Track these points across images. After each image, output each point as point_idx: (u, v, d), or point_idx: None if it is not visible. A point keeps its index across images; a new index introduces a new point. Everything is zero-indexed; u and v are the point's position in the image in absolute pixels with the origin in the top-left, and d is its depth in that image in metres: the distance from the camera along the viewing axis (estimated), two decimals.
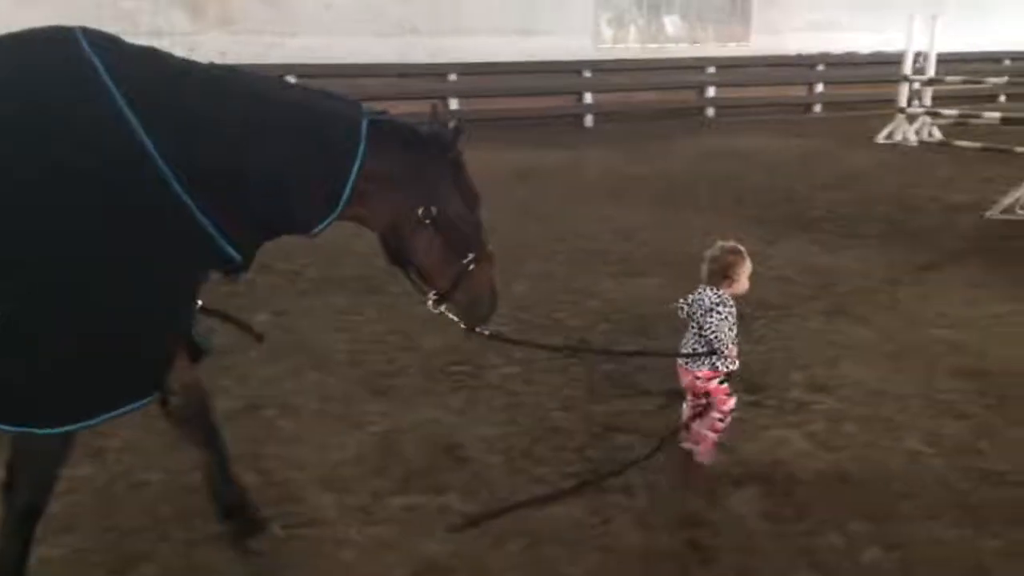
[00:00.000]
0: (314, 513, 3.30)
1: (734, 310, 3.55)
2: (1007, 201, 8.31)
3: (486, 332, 3.01)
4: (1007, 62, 17.76)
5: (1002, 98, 16.81)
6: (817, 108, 17.37)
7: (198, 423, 2.88)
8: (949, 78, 13.87)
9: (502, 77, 14.70)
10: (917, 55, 13.76)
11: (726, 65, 16.50)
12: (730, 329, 3.52)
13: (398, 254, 2.73)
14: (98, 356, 2.30)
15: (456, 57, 14.19)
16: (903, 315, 5.51)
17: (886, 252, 7.07)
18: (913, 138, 13.33)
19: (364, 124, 2.54)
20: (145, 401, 2.44)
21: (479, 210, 2.77)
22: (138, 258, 2.29)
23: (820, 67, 17.25)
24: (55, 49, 2.31)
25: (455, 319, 2.87)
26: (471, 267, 2.74)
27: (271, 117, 2.45)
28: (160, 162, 2.24)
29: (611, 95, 15.72)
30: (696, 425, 3.65)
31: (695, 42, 16.85)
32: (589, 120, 15.49)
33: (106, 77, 2.23)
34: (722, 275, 3.53)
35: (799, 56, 16.98)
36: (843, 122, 15.50)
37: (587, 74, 15.51)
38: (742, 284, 3.57)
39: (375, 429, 3.98)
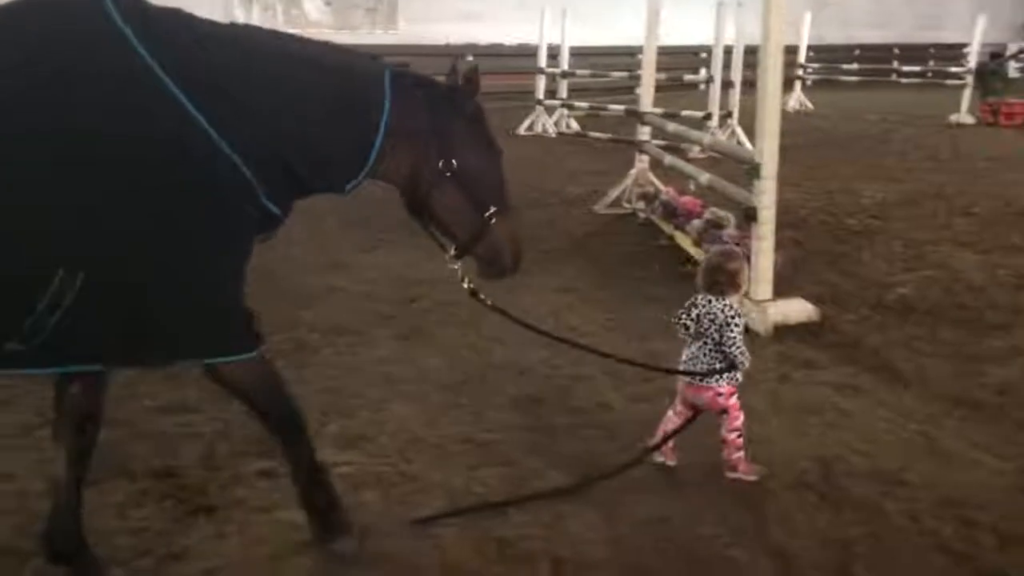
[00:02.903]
0: None
1: (743, 319, 3.39)
2: (614, 194, 8.34)
3: (488, 301, 3.03)
4: (638, 56, 18.86)
5: (639, 90, 17.80)
6: None
7: (89, 425, 2.65)
8: (580, 71, 14.25)
9: None
10: (552, 48, 13.99)
11: (374, 54, 15.84)
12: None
13: (418, 207, 2.73)
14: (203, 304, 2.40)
15: None
16: (482, 333, 4.97)
17: None
18: (552, 129, 13.53)
19: (387, 79, 2.56)
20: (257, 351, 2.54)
21: (500, 164, 2.79)
22: (202, 216, 2.32)
23: (469, 57, 17.15)
24: (82, 15, 2.24)
25: (463, 282, 2.89)
26: (492, 221, 2.73)
27: (302, 77, 2.47)
28: (205, 124, 2.24)
29: None
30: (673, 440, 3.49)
31: (341, 28, 16.01)
32: None
33: (136, 43, 2.21)
34: (729, 283, 3.34)
35: (447, 46, 16.75)
36: (492, 113, 15.27)
37: None
38: (743, 287, 3.48)
39: None
